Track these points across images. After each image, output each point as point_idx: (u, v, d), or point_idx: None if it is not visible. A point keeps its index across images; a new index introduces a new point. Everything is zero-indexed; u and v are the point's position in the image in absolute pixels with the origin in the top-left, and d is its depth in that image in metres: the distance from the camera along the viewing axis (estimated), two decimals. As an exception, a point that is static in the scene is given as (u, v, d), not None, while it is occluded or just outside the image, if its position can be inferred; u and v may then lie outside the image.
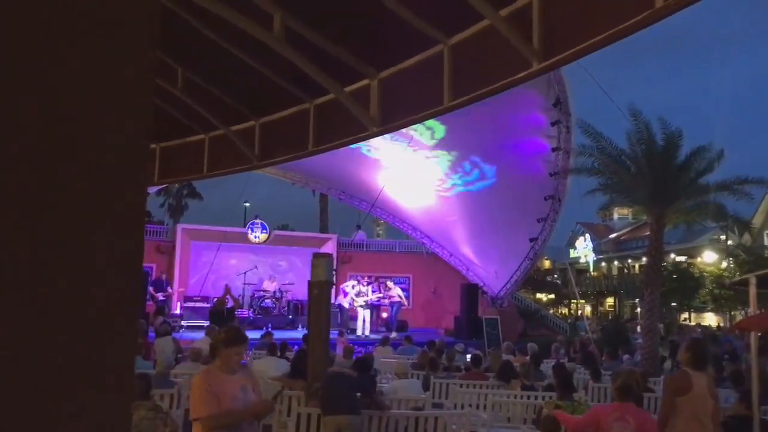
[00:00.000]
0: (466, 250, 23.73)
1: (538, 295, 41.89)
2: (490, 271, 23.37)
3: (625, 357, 14.58)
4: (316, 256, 8.31)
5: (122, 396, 0.90)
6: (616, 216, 54.36)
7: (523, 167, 19.63)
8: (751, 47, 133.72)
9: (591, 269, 50.41)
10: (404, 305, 21.59)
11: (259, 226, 24.03)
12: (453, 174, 20.99)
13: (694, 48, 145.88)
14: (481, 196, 20.83)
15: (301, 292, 20.19)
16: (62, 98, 0.83)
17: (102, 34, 0.87)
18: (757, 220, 35.20)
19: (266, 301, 21.26)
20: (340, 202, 27.10)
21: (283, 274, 23.85)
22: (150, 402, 5.54)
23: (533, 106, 17.62)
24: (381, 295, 20.46)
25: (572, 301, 42.05)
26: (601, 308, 47.65)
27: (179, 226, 26.08)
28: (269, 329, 16.22)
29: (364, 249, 27.63)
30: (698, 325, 32.11)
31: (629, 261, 49.94)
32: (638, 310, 33.85)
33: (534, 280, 35.77)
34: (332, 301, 13.65)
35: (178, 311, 20.78)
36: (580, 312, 37.68)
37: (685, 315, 38.22)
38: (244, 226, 25.04)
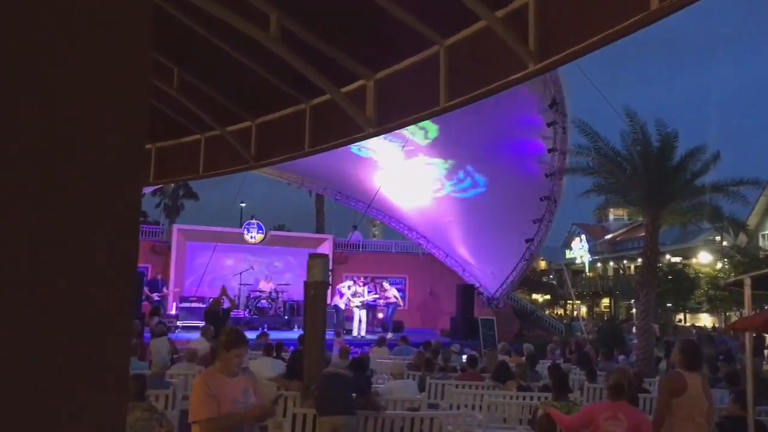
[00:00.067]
0: (462, 251, 23.76)
1: (534, 296, 41.95)
2: (486, 271, 23.39)
3: (621, 358, 14.61)
4: (312, 256, 8.32)
5: (121, 396, 0.90)
6: (611, 217, 54.44)
7: (518, 168, 19.67)
8: (747, 48, 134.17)
9: (587, 270, 50.49)
10: (400, 306, 21.60)
11: (255, 226, 24.02)
12: (447, 181, 21.18)
13: (690, 49, 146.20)
14: (476, 198, 20.88)
15: (297, 292, 20.17)
16: (62, 98, 0.84)
17: (101, 34, 0.87)
18: (752, 221, 35.32)
19: (262, 301, 21.25)
20: (337, 203, 27.10)
21: (279, 275, 23.82)
22: (145, 403, 5.53)
23: (529, 106, 17.65)
24: (377, 295, 20.47)
25: (568, 301, 42.13)
26: (596, 309, 47.74)
27: (175, 227, 26.04)
28: (265, 330, 16.21)
29: (360, 249, 27.64)
30: (693, 326, 32.21)
31: (625, 262, 50.05)
32: (634, 310, 33.95)
33: (530, 280, 35.81)
34: (328, 301, 13.65)
35: (173, 312, 20.75)
36: (575, 313, 37.72)
37: (681, 316, 38.30)
38: (240, 227, 25.03)
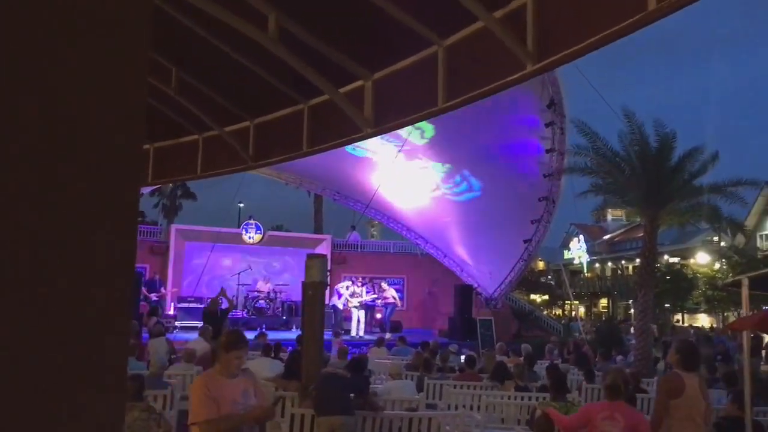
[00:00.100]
0: (461, 251, 23.77)
1: (532, 296, 41.95)
2: (484, 272, 23.41)
3: (619, 358, 14.63)
4: (311, 257, 8.31)
5: (120, 396, 0.90)
6: (609, 217, 54.47)
7: (517, 168, 19.69)
8: (745, 49, 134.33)
9: (585, 270, 50.46)
10: (398, 306, 21.61)
11: (254, 226, 24.02)
12: (443, 185, 21.28)
13: (688, 50, 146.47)
14: (471, 201, 20.90)
15: (295, 292, 20.18)
16: (59, 98, 0.84)
17: (100, 35, 0.87)
18: (750, 222, 35.37)
19: (260, 301, 21.26)
20: (335, 203, 27.10)
21: (277, 275, 23.83)
22: (143, 403, 5.53)
23: (527, 107, 17.66)
24: (375, 295, 20.48)
25: (566, 302, 42.14)
26: (594, 309, 47.75)
27: (173, 227, 26.04)
28: (263, 330, 16.20)
29: (359, 250, 27.65)
30: (690, 326, 32.23)
31: (623, 262, 50.06)
32: (632, 311, 33.98)
33: (528, 281, 35.81)
34: (326, 302, 13.65)
35: (171, 312, 20.75)
36: (573, 313, 37.73)
37: (679, 316, 38.33)
38: (239, 227, 25.03)
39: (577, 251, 50.04)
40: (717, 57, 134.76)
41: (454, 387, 9.01)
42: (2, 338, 0.77)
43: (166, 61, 4.93)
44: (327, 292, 12.06)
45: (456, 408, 8.08)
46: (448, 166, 20.43)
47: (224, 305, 14.70)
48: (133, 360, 9.25)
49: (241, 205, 33.35)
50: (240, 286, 21.58)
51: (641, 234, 18.51)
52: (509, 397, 8.36)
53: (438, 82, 3.71)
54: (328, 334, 12.84)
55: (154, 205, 46.43)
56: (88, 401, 0.85)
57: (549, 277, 49.05)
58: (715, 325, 34.34)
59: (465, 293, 21.90)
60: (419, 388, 8.96)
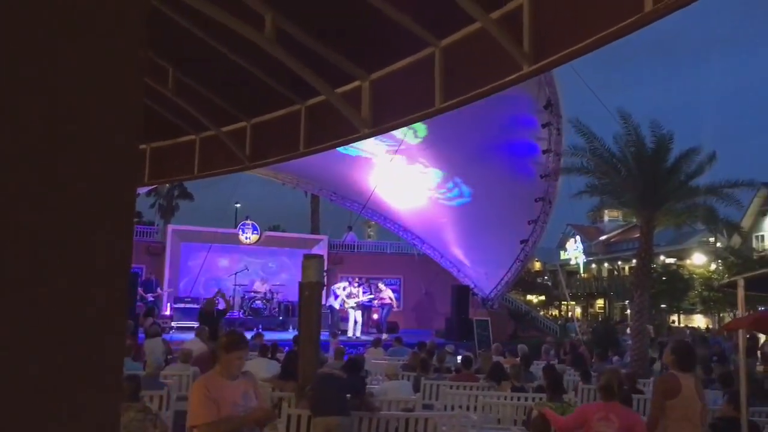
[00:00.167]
0: (457, 252, 23.79)
1: (529, 297, 42.00)
2: (481, 272, 23.43)
3: (615, 358, 14.66)
4: (307, 257, 8.31)
5: (118, 396, 0.90)
6: (606, 218, 54.56)
7: (513, 169, 19.71)
8: (744, 49, 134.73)
9: (581, 271, 50.56)
10: (394, 307, 21.61)
11: (250, 227, 23.99)
12: (438, 190, 21.40)
13: (686, 51, 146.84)
14: (472, 197, 20.94)
15: (291, 293, 20.18)
16: (58, 98, 0.84)
17: (96, 35, 0.87)
18: (746, 223, 35.43)
19: (257, 302, 21.24)
20: (332, 204, 27.10)
21: (274, 275, 23.81)
22: (139, 403, 5.53)
23: (524, 107, 17.69)
24: (372, 296, 20.49)
25: (562, 302, 42.17)
26: (591, 310, 47.83)
27: (170, 227, 26.01)
28: (260, 330, 16.19)
29: (355, 250, 27.66)
30: (686, 326, 32.29)
31: (619, 263, 50.13)
32: (628, 311, 34.00)
33: (524, 281, 35.86)
34: (323, 302, 13.65)
35: (168, 312, 20.73)
36: (570, 313, 37.79)
37: (675, 317, 38.40)
38: (235, 227, 25.01)
39: (574, 252, 50.17)
40: (715, 58, 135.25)
41: (451, 387, 9.02)
42: (2, 338, 0.77)
43: (163, 62, 4.93)
44: (324, 292, 12.06)
45: (452, 408, 8.09)
46: (441, 172, 20.60)
47: (221, 306, 14.68)
48: (129, 360, 9.23)
49: (238, 205, 33.40)
50: (237, 287, 21.56)
51: (637, 235, 18.54)
52: (506, 398, 8.37)
53: (435, 82, 3.71)
54: (324, 335, 12.85)
55: (150, 205, 46.39)
56: (88, 401, 0.85)
57: (545, 277, 49.11)
58: (711, 326, 34.40)
59: (462, 294, 21.92)
60: (416, 389, 8.96)
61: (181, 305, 19.97)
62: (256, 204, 37.22)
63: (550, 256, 49.14)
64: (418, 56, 3.88)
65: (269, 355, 10.34)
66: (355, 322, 19.16)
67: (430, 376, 9.89)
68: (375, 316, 20.92)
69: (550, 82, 16.96)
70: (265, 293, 21.64)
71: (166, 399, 7.52)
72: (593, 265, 52.70)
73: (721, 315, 35.16)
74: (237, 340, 4.21)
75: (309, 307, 8.00)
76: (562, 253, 51.91)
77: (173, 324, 18.80)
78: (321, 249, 24.45)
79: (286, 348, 11.43)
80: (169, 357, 11.02)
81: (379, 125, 4.26)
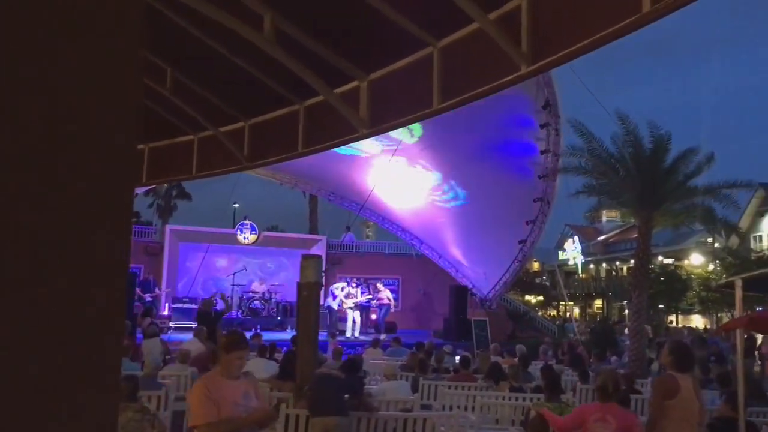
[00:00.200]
0: (455, 252, 23.79)
1: (527, 297, 42.04)
2: (479, 272, 23.43)
3: (613, 359, 14.66)
4: (306, 257, 8.31)
5: (117, 395, 0.91)
6: (604, 218, 54.64)
7: (512, 169, 19.72)
8: (744, 49, 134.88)
9: (579, 271, 50.64)
10: (391, 308, 21.59)
11: (249, 227, 23.98)
12: (433, 193, 21.47)
13: (685, 51, 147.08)
14: (470, 197, 20.95)
15: (290, 293, 20.17)
16: (56, 98, 0.84)
17: (93, 34, 0.87)
18: (744, 223, 35.48)
19: (255, 302, 21.22)
20: (330, 204, 27.09)
21: (272, 276, 23.80)
22: (137, 404, 5.52)
23: (522, 108, 17.69)
24: (370, 296, 20.49)
25: (561, 302, 42.23)
26: (589, 310, 47.87)
27: (168, 227, 25.99)
28: (258, 330, 16.19)
29: (354, 251, 27.64)
30: (684, 327, 32.32)
31: (617, 263, 50.20)
32: (626, 312, 34.05)
33: (523, 281, 35.88)
34: (321, 302, 13.64)
35: (166, 312, 20.71)
36: (568, 314, 37.83)
37: (673, 317, 38.44)
38: (233, 227, 24.99)
39: (572, 252, 50.28)
40: (714, 58, 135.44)
41: (449, 388, 9.02)
42: (2, 338, 0.77)
43: (161, 62, 4.93)
44: (322, 292, 12.06)
45: (450, 409, 8.09)
46: (438, 174, 20.68)
47: (219, 306, 14.66)
48: (127, 361, 9.22)
49: (236, 205, 33.38)
50: (235, 287, 21.55)
51: (635, 235, 18.55)
52: (504, 398, 8.37)
53: (433, 83, 3.71)
54: (323, 335, 12.83)
55: (148, 205, 46.38)
56: (87, 401, 0.85)
57: (544, 278, 49.16)
58: (708, 326, 34.44)
59: (460, 294, 21.92)
60: (414, 389, 8.96)
61: (179, 305, 19.96)
62: (254, 204, 37.20)
63: (548, 256, 49.21)
64: (417, 57, 3.88)
65: (267, 356, 10.34)
66: (354, 323, 19.16)
67: (428, 376, 9.89)
68: (373, 317, 20.92)
69: (548, 82, 16.96)
70: (263, 293, 21.63)
71: (164, 399, 7.51)
72: (591, 266, 52.78)
73: (719, 315, 35.20)
74: (237, 340, 4.20)
75: (307, 307, 8.00)
76: (560, 253, 52.02)
77: (171, 324, 18.78)
78: (319, 249, 24.44)
79: (285, 348, 11.43)
80: (167, 357, 11.01)
81: (378, 125, 4.26)
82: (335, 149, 19.20)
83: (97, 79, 0.87)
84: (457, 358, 11.75)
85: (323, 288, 13.71)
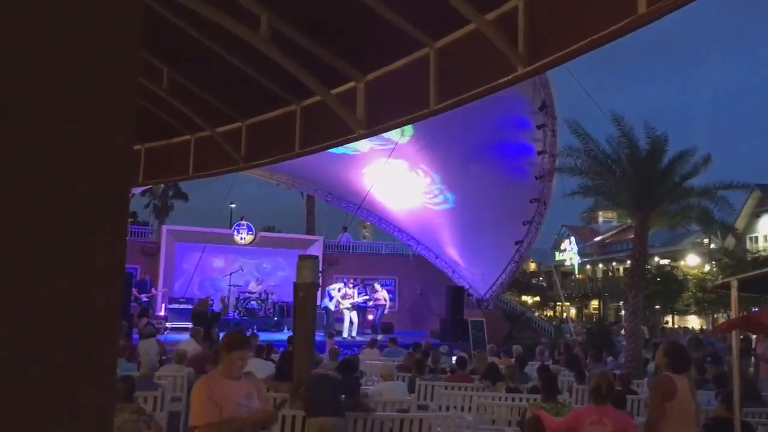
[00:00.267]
0: (452, 253, 23.80)
1: (524, 298, 42.07)
2: (476, 273, 23.44)
3: (609, 359, 14.67)
4: (302, 258, 8.30)
5: (113, 396, 0.91)
6: (601, 219, 54.70)
7: (508, 169, 19.74)
8: (745, 49, 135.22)
9: (576, 272, 50.69)
10: (387, 308, 21.59)
11: (245, 227, 23.98)
12: (425, 195, 21.55)
13: (682, 52, 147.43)
14: (467, 198, 20.97)
15: (286, 293, 20.17)
16: (51, 98, 0.84)
17: (89, 34, 0.87)
18: (740, 224, 35.58)
19: (252, 302, 21.21)
20: (327, 204, 27.08)
21: (269, 276, 23.79)
22: (133, 405, 5.51)
23: (519, 109, 17.71)
24: (367, 296, 20.50)
25: (557, 303, 42.27)
26: (585, 311, 47.91)
27: (164, 227, 25.97)
28: (255, 331, 16.17)
29: (351, 251, 27.65)
30: (679, 327, 32.36)
31: (614, 264, 50.25)
32: (622, 312, 34.08)
33: (519, 282, 35.91)
34: (318, 303, 13.65)
35: (162, 313, 20.69)
36: (565, 314, 37.85)
37: (669, 318, 38.50)
38: (230, 228, 24.98)
39: (569, 253, 50.34)
40: (711, 59, 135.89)
41: (446, 388, 9.03)
42: (2, 338, 0.77)
43: (158, 62, 4.92)
44: (318, 293, 12.05)
45: (447, 409, 8.09)
46: (428, 177, 20.78)
47: (217, 309, 14.66)
48: (123, 361, 9.21)
49: (233, 205, 33.32)
50: (231, 287, 21.54)
51: (632, 236, 18.57)
52: (500, 399, 8.37)
53: (430, 84, 3.71)
54: (319, 335, 12.84)
55: (145, 205, 46.32)
56: (88, 401, 0.85)
57: (540, 278, 49.19)
58: (705, 327, 34.50)
59: (456, 294, 21.93)
60: (411, 390, 8.96)
61: (176, 306, 19.93)
62: (251, 204, 37.26)
63: (545, 257, 49.26)
64: (413, 57, 3.89)
65: (264, 356, 10.33)
66: (351, 323, 19.16)
67: (425, 377, 9.89)
68: (370, 317, 20.93)
69: (545, 83, 16.99)
70: (260, 294, 21.62)
71: (161, 400, 7.50)
72: (588, 266, 52.84)
73: (715, 316, 35.26)
74: (239, 339, 4.17)
75: (304, 307, 8.00)
76: (557, 254, 52.07)
77: (167, 325, 18.76)
78: (316, 250, 24.45)
79: (281, 349, 11.43)
80: (163, 358, 11.00)
81: (375, 126, 4.26)
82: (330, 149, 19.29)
83: (96, 79, 0.87)
84: (454, 358, 11.76)
85: (320, 288, 13.70)
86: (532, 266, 50.61)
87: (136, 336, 13.04)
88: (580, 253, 50.61)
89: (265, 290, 21.86)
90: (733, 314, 7.94)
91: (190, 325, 15.04)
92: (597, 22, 2.78)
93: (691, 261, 39.34)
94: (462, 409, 8.27)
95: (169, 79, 5.03)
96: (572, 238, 50.48)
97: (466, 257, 23.40)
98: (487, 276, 23.26)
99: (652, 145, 15.95)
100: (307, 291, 7.93)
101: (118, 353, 0.95)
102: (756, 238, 39.15)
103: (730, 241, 33.49)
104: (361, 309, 20.08)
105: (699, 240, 40.16)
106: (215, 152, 5.53)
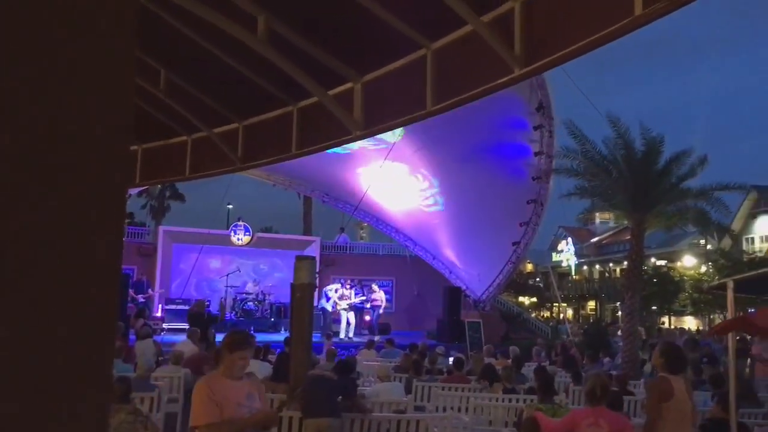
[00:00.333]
0: (449, 254, 23.82)
1: (521, 299, 42.10)
2: (473, 274, 23.46)
3: (606, 360, 14.69)
4: (299, 258, 8.29)
5: (108, 397, 0.91)
6: (597, 220, 54.76)
7: (505, 170, 19.77)
8: (745, 49, 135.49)
9: (573, 273, 50.72)
10: (381, 309, 21.56)
11: (242, 228, 23.95)
12: (421, 197, 21.64)
13: (681, 53, 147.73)
14: (464, 199, 20.98)
15: (284, 294, 20.15)
16: (48, 99, 0.84)
17: (85, 35, 0.87)
18: (736, 225, 35.63)
19: (249, 303, 21.19)
20: (324, 205, 27.09)
21: (266, 277, 23.77)
22: (130, 405, 5.50)
23: (516, 110, 17.74)
24: (364, 297, 20.50)
25: (554, 304, 42.28)
26: (582, 312, 47.96)
27: (161, 228, 25.94)
28: (251, 332, 16.13)
29: (348, 252, 27.65)
30: (676, 328, 32.40)
31: (610, 265, 50.30)
32: (619, 313, 34.11)
33: (516, 283, 35.92)
34: (314, 303, 13.64)
35: (159, 314, 20.66)
36: (561, 315, 37.88)
37: (665, 319, 38.55)
38: (227, 229, 24.95)
39: (566, 254, 50.34)
40: (709, 60, 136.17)
41: (442, 389, 9.03)
42: (2, 338, 0.77)
43: (155, 63, 4.92)
44: (315, 294, 12.05)
45: (444, 410, 8.09)
46: (425, 183, 20.84)
47: (214, 311, 14.63)
48: (119, 362, 9.20)
49: (230, 206, 33.31)
50: (228, 288, 21.51)
51: (628, 237, 18.61)
52: (497, 399, 8.38)
53: (427, 85, 3.72)
54: (316, 336, 12.83)
55: (142, 206, 46.17)
56: (88, 401, 0.85)
57: (537, 279, 49.20)
58: (701, 328, 34.56)
59: (453, 295, 21.94)
60: (407, 390, 8.96)
61: (173, 307, 19.91)
62: (248, 205, 37.23)
63: (541, 257, 49.26)
64: (410, 58, 3.89)
65: (261, 357, 10.33)
66: (348, 324, 19.16)
67: (421, 377, 9.89)
68: (367, 318, 20.92)
69: (542, 84, 17.02)
70: (257, 295, 21.60)
71: (157, 401, 7.49)
72: (585, 267, 52.88)
73: (711, 317, 35.32)
74: (241, 339, 4.14)
75: (301, 308, 7.99)
76: (553, 254, 52.08)
77: (164, 326, 18.73)
78: (313, 250, 24.42)
79: (278, 350, 11.42)
80: (160, 359, 10.98)
81: (371, 127, 4.27)
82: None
83: (94, 79, 0.87)
84: (451, 359, 11.76)
85: (317, 289, 13.70)
86: (529, 267, 50.61)
87: (132, 337, 13.01)
88: (577, 254, 50.64)
89: (262, 291, 21.84)
90: (729, 315, 7.96)
91: (186, 326, 15.03)
92: (593, 24, 2.79)
93: (688, 262, 39.42)
94: (459, 410, 8.27)
95: (167, 80, 5.03)
96: (569, 239, 50.50)
97: (463, 258, 23.42)
98: (484, 277, 23.28)
99: (648, 146, 15.98)
100: (304, 292, 7.93)
101: (114, 354, 0.95)
102: (752, 239, 39.24)
103: (727, 242, 33.54)
104: (358, 310, 20.08)
105: (695, 241, 40.23)
106: (212, 153, 5.53)
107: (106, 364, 0.88)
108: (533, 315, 35.18)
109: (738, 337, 11.78)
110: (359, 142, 18.68)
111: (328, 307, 19.32)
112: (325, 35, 4.08)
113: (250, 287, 22.10)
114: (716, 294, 20.74)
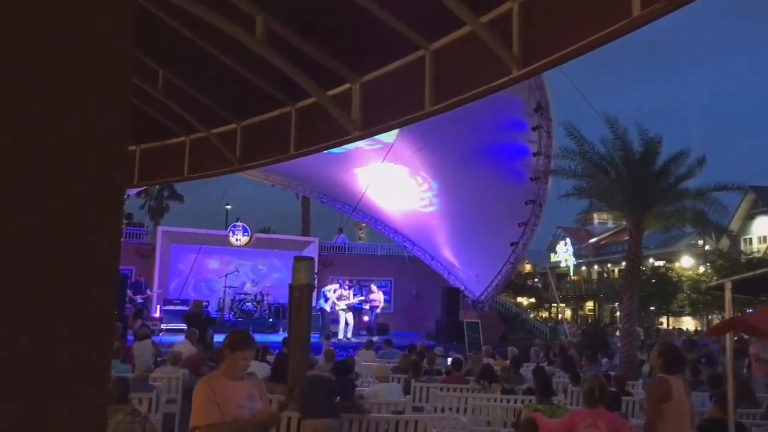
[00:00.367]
0: (448, 254, 23.83)
1: (519, 299, 42.12)
2: (472, 275, 23.47)
3: (604, 361, 14.71)
4: (298, 259, 8.29)
5: (105, 397, 0.91)
6: (596, 221, 54.80)
7: (504, 171, 19.77)
8: (744, 49, 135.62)
9: (571, 273, 50.75)
10: (379, 309, 21.56)
11: (241, 228, 23.93)
12: (419, 198, 21.63)
13: (680, 54, 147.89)
14: (462, 200, 20.99)
15: (282, 295, 20.15)
16: (45, 99, 0.84)
17: (85, 35, 0.87)
18: (734, 226, 35.68)
19: (247, 304, 21.18)
20: (323, 206, 27.08)
21: (265, 277, 23.76)
22: (128, 406, 5.49)
23: (514, 110, 17.74)
24: (363, 298, 20.50)
25: (552, 304, 42.33)
26: (580, 312, 47.99)
27: (159, 229, 25.93)
28: (250, 332, 16.11)
29: (346, 252, 27.64)
30: (674, 328, 32.43)
31: (609, 265, 50.36)
32: (617, 314, 34.15)
33: (515, 284, 35.97)
34: (313, 304, 13.63)
35: (157, 314, 20.64)
36: (560, 316, 37.91)
37: (663, 319, 38.58)
38: (226, 229, 24.93)
39: (564, 254, 50.38)
40: (708, 60, 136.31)
41: (441, 390, 9.03)
42: (2, 338, 0.77)
43: (153, 63, 4.91)
44: (314, 294, 12.04)
45: (442, 410, 8.10)
46: (425, 185, 20.83)
47: (213, 312, 14.61)
48: (118, 363, 9.20)
49: (229, 207, 33.31)
50: (227, 289, 21.50)
51: (627, 237, 18.62)
52: (495, 400, 8.38)
53: (425, 85, 3.72)
54: (315, 337, 12.82)
55: (140, 206, 46.12)
56: (88, 401, 0.85)
57: (536, 280, 49.26)
58: (699, 328, 34.60)
59: (452, 296, 21.94)
60: (406, 391, 8.96)
61: (171, 307, 19.89)
62: (246, 206, 37.22)
63: (540, 258, 49.30)
64: (409, 59, 3.89)
65: (259, 358, 10.31)
66: (347, 324, 19.16)
67: (420, 378, 9.89)
68: (365, 318, 20.92)
69: (540, 85, 17.03)
70: (255, 295, 21.59)
71: (155, 401, 7.49)
72: (583, 268, 52.93)
73: (709, 317, 35.36)
74: (242, 339, 4.12)
75: (299, 309, 7.99)
76: (552, 255, 52.13)
77: (162, 326, 18.71)
78: (312, 251, 24.42)
79: (277, 350, 11.40)
80: (158, 359, 10.98)
81: (370, 127, 4.27)
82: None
83: (92, 79, 0.87)
84: (449, 360, 11.77)
85: (315, 290, 13.68)
86: (528, 268, 50.66)
87: (131, 337, 13.01)
88: (576, 255, 50.68)
89: (260, 292, 21.83)
90: (727, 316, 7.96)
91: (185, 326, 15.00)
92: (592, 25, 2.79)
93: (686, 262, 39.48)
94: (457, 410, 8.27)
95: (165, 80, 5.02)
96: (567, 240, 50.55)
97: (462, 259, 23.42)
98: (482, 277, 23.28)
99: (646, 147, 16.00)
100: (302, 292, 7.93)
101: (112, 353, 0.95)
102: (750, 239, 39.30)
103: (725, 243, 33.58)
104: (356, 310, 20.07)
105: (694, 242, 40.29)
106: (210, 153, 5.53)
107: (104, 365, 0.88)
108: (532, 315, 35.21)
109: (736, 338, 11.80)
110: (359, 143, 18.76)
111: (327, 307, 19.31)
112: (323, 35, 4.08)
113: (248, 288, 22.09)
114: (714, 294, 20.79)
